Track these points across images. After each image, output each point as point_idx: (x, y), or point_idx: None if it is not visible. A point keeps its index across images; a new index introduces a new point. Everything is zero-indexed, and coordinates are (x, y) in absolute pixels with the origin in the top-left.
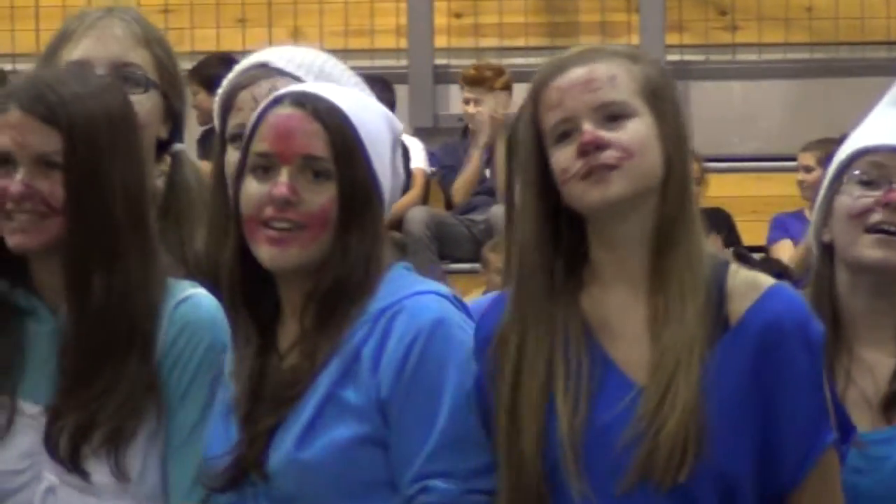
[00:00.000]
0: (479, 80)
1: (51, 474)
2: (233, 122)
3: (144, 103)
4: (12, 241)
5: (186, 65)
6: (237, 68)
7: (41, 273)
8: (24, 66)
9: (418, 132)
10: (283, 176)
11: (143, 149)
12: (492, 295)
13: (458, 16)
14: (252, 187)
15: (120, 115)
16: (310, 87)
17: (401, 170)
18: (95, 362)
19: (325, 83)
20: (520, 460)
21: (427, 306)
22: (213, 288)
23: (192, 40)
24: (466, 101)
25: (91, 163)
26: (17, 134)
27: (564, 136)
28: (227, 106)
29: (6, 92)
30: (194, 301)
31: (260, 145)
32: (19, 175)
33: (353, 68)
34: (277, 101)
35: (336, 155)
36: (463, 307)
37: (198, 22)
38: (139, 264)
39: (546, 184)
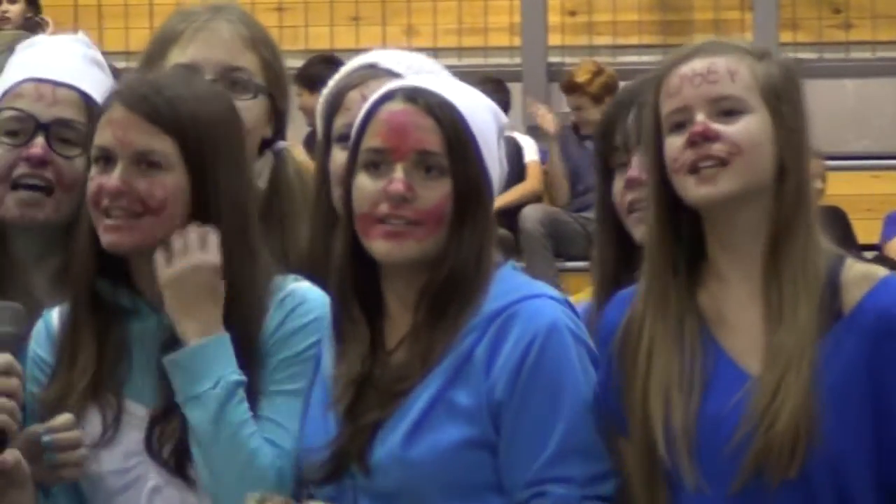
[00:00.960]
0: (572, 88)
1: (156, 474)
2: (340, 121)
3: (252, 108)
4: (106, 238)
5: (300, 63)
6: (344, 69)
7: (142, 273)
8: (121, 64)
9: (531, 130)
10: (399, 172)
11: (246, 152)
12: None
13: (571, 14)
14: (365, 183)
15: (225, 120)
16: (420, 81)
17: (505, 163)
18: None
19: (433, 77)
20: (649, 448)
21: (541, 311)
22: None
23: (306, 39)
24: (574, 109)
25: (197, 165)
26: (120, 130)
27: (678, 125)
28: (334, 106)
29: (112, 90)
30: (298, 294)
31: (372, 141)
32: (117, 172)
33: (467, 66)
34: (388, 96)
35: (450, 150)
36: (573, 310)
37: (312, 20)
38: (243, 264)
39: (664, 174)
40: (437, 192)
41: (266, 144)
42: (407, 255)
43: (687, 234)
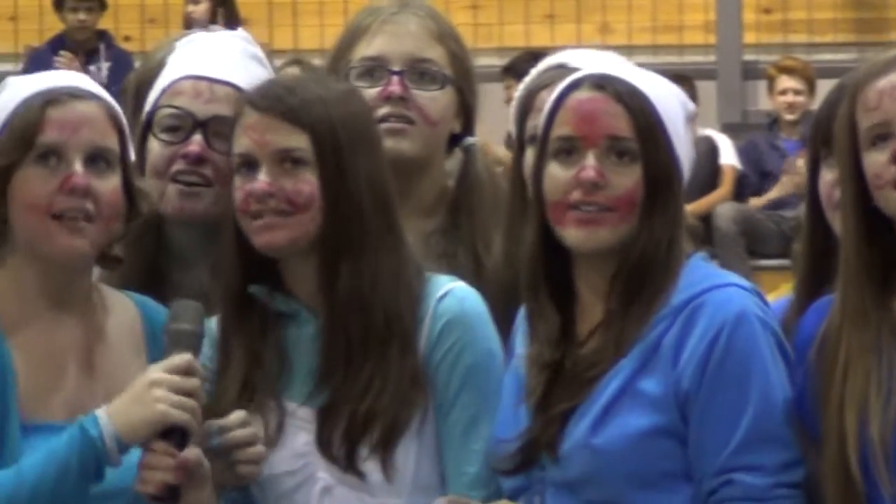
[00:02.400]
0: (790, 71)
1: (325, 474)
2: (532, 122)
3: (439, 99)
4: (259, 239)
5: (495, 60)
6: (535, 70)
7: (294, 275)
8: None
9: (726, 128)
10: (590, 159)
11: (382, 148)
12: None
13: (766, 11)
14: (556, 171)
15: (358, 117)
16: (607, 69)
17: (692, 151)
18: (354, 357)
19: (619, 65)
20: (844, 460)
21: (730, 299)
22: (511, 285)
23: (500, 36)
24: (783, 92)
25: (336, 160)
26: (256, 134)
27: (879, 139)
28: (526, 108)
29: (241, 97)
30: (457, 294)
31: (561, 129)
32: (261, 174)
33: (661, 64)
34: (576, 84)
35: (639, 135)
36: (763, 300)
37: (506, 18)
38: (387, 257)
39: (861, 185)
40: (628, 178)
41: (455, 140)
42: (600, 242)
43: (882, 242)
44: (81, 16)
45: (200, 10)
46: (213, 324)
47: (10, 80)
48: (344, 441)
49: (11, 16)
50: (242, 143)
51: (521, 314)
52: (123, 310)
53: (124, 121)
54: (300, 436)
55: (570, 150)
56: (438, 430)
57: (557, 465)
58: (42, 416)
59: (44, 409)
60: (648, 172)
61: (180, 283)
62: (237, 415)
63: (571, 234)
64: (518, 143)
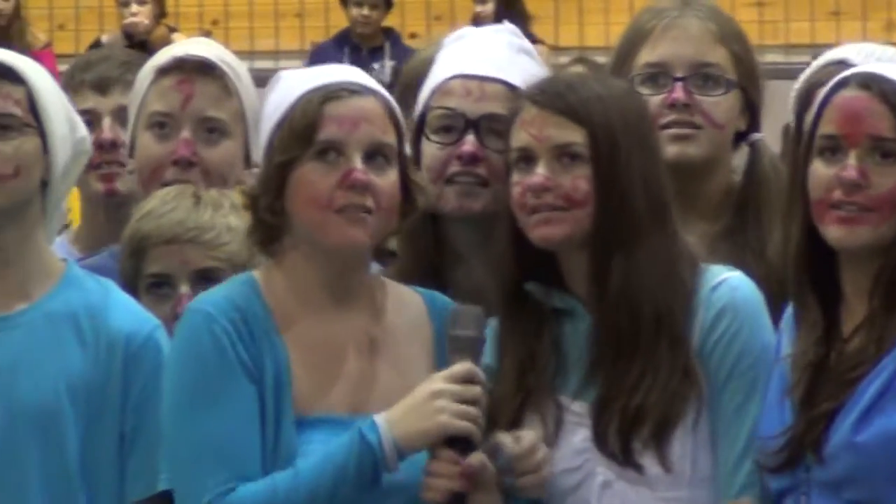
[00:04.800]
0: None
1: (604, 469)
2: (809, 118)
3: (724, 103)
4: (536, 233)
5: (780, 58)
6: (814, 65)
7: (570, 270)
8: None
9: None
10: (852, 159)
11: (659, 147)
12: None
13: None
14: (820, 169)
15: (636, 115)
16: (876, 68)
17: None
18: (624, 353)
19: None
20: None
21: None
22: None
23: (786, 33)
24: None
25: (612, 157)
26: (535, 129)
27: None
28: (805, 102)
29: (521, 93)
30: (730, 283)
31: (826, 127)
32: (539, 168)
33: None
34: (843, 83)
35: None
36: None
37: (792, 15)
38: (658, 253)
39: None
40: (890, 179)
41: (740, 137)
42: (860, 241)
43: None
44: (366, 11)
45: (488, 9)
46: (493, 323)
47: (283, 74)
48: (618, 436)
49: (297, 12)
50: (521, 137)
51: (787, 314)
52: (410, 304)
53: (401, 116)
54: (578, 432)
55: (833, 149)
56: (710, 419)
57: (822, 465)
58: (321, 410)
59: (323, 402)
60: None
61: (456, 280)
62: (528, 441)
63: (832, 232)
64: (796, 138)
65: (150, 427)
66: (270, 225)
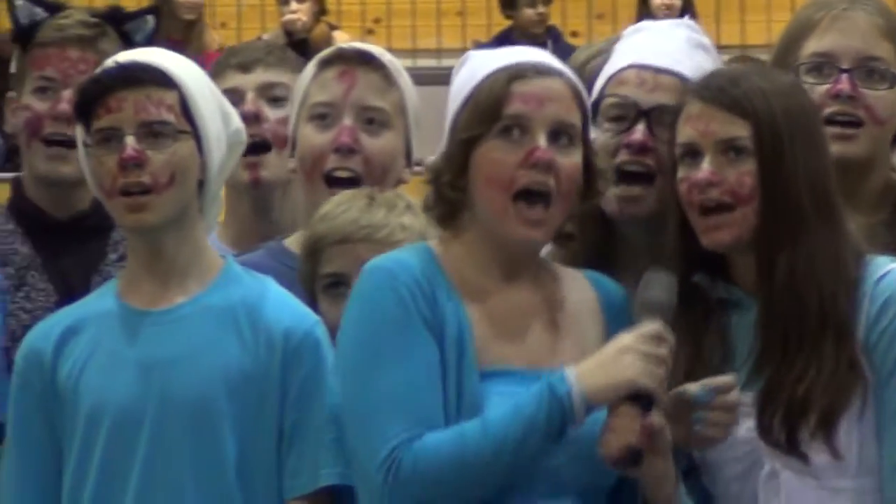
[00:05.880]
0: None
1: (770, 459)
2: None
3: (887, 98)
4: (706, 239)
5: None
6: None
7: (736, 263)
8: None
9: None
10: None
11: (824, 140)
12: None
13: None
14: None
15: (800, 110)
16: None
17: None
18: (790, 343)
19: None
20: None
21: None
22: None
23: None
24: None
25: (776, 150)
26: (700, 124)
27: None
28: None
29: (685, 88)
30: (895, 274)
31: None
32: (705, 163)
33: None
34: None
35: None
36: None
37: None
38: (824, 244)
39: None
40: None
41: None
42: None
43: None
44: (541, 9)
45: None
46: None
47: (472, 53)
48: (783, 427)
49: (459, 11)
50: (686, 132)
51: None
52: (577, 284)
53: (587, 98)
54: (744, 422)
55: None
56: (875, 410)
57: None
58: (501, 363)
59: (503, 357)
60: None
61: (624, 267)
62: (726, 378)
63: None
64: None
65: (311, 423)
66: (451, 201)
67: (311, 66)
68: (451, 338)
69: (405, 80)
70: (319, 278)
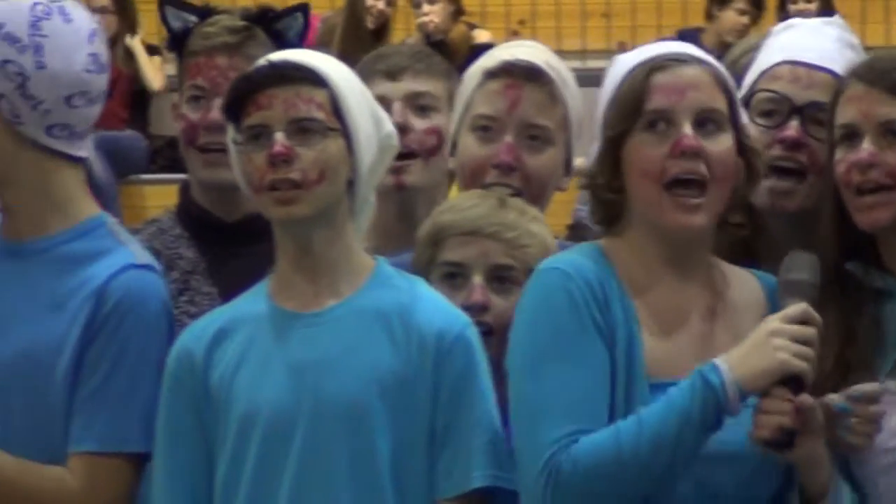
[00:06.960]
0: None
1: None
2: None
3: None
4: (863, 217)
5: None
6: None
7: (889, 251)
8: None
9: None
10: None
11: None
12: None
13: None
14: None
15: None
16: None
17: None
18: None
19: None
20: None
21: None
22: None
23: None
24: None
25: None
26: (863, 105)
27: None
28: None
29: (849, 70)
30: None
31: None
32: (865, 144)
33: None
34: None
35: None
36: None
37: None
38: None
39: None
40: None
41: None
42: None
43: None
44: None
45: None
46: None
47: (619, 57)
48: None
49: (604, 13)
50: (847, 114)
51: None
52: (745, 283)
53: (732, 83)
54: (895, 413)
55: None
56: None
57: None
58: (669, 375)
59: (671, 367)
60: None
61: (766, 261)
62: (870, 386)
63: None
64: None
65: (463, 424)
66: (611, 202)
67: (476, 74)
68: (622, 345)
69: (571, 91)
70: (438, 266)
